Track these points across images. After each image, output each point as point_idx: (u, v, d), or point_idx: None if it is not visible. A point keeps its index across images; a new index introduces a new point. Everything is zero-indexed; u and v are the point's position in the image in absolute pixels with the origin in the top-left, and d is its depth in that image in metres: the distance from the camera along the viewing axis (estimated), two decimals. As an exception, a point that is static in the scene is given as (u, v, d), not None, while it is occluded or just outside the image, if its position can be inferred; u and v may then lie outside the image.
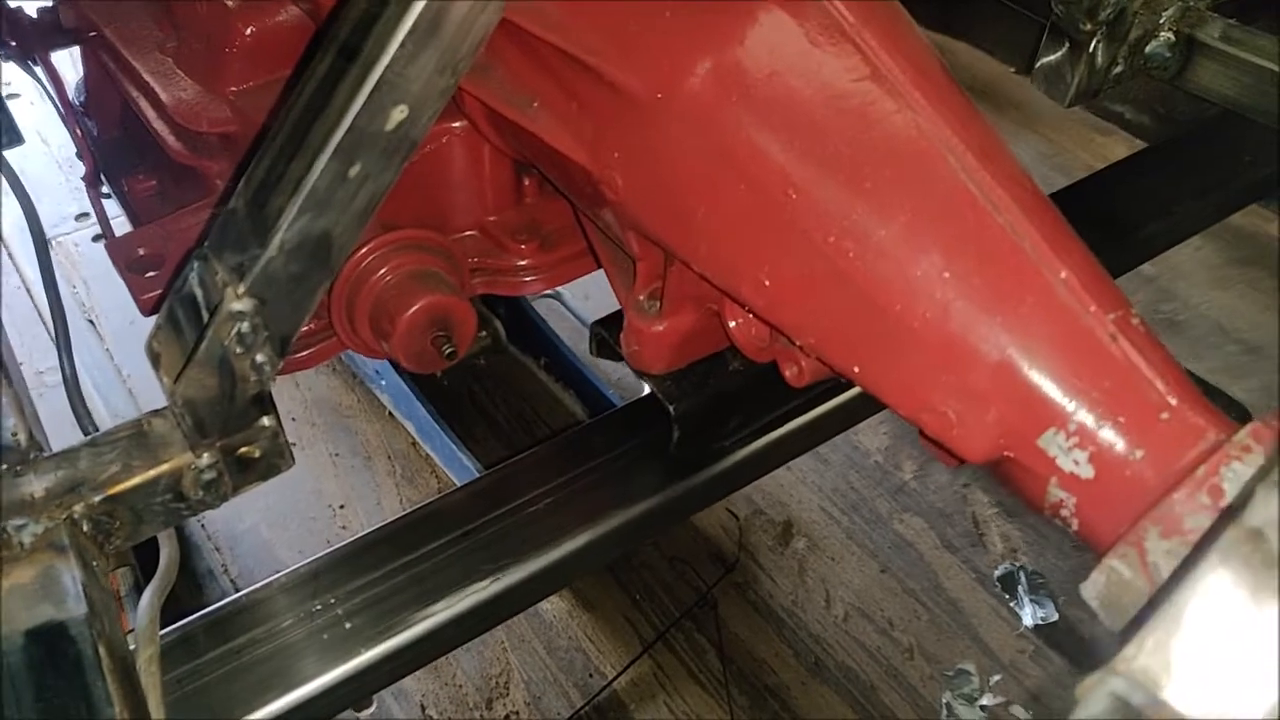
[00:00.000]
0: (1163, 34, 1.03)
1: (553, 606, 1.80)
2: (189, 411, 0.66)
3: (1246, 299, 2.19)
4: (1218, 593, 0.41)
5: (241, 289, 0.62)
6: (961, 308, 0.62)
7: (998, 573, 1.83)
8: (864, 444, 2.01)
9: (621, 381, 2.11)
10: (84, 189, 2.62)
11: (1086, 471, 0.60)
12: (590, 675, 1.71)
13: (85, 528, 0.65)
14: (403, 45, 0.58)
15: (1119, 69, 1.04)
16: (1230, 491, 0.53)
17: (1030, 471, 0.62)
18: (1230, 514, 0.43)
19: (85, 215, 2.48)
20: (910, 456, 2.00)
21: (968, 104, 0.70)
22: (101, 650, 0.57)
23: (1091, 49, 1.01)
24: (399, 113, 0.61)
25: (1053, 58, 1.04)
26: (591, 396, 1.97)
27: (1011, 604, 1.80)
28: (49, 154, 2.60)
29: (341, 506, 1.92)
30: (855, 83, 0.67)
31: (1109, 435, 0.59)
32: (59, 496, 0.65)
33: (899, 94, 0.67)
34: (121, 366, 2.18)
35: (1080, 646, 1.73)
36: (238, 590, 0.96)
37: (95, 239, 2.44)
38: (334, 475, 1.97)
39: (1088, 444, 0.59)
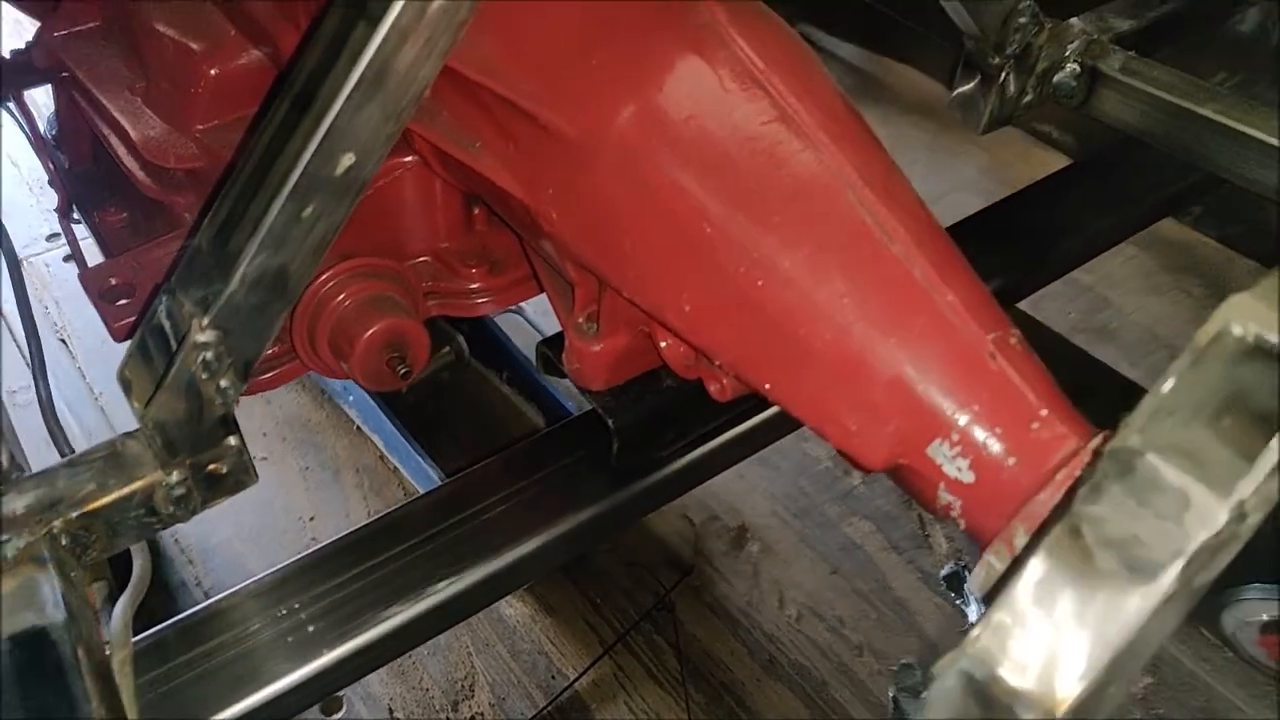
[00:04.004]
0: (1068, 65, 1.11)
1: (515, 611, 1.86)
2: (159, 433, 0.72)
3: (1179, 305, 2.28)
4: (1042, 581, 0.48)
5: (206, 321, 0.68)
6: (859, 330, 0.69)
7: (943, 573, 1.91)
8: (814, 451, 2.09)
9: (580, 394, 2.17)
10: (53, 211, 2.65)
11: (969, 477, 0.67)
12: (553, 677, 1.77)
13: (64, 541, 0.71)
14: (350, 97, 0.65)
15: (1029, 98, 1.12)
16: (1082, 492, 0.60)
17: (922, 477, 0.69)
18: (1057, 514, 0.50)
19: (56, 236, 2.52)
20: (861, 461, 2.08)
21: (870, 139, 0.77)
22: (80, 653, 0.63)
23: (1001, 80, 1.09)
24: (347, 159, 0.67)
25: (966, 87, 1.12)
26: (551, 408, 2.03)
27: (958, 602, 1.87)
28: (19, 176, 2.63)
29: (312, 518, 1.97)
30: (764, 125, 0.74)
31: (987, 444, 0.66)
32: (39, 513, 0.70)
33: (804, 135, 0.74)
34: (94, 385, 2.22)
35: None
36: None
37: (66, 259, 2.48)
38: (304, 489, 2.02)
39: (969, 452, 0.67)
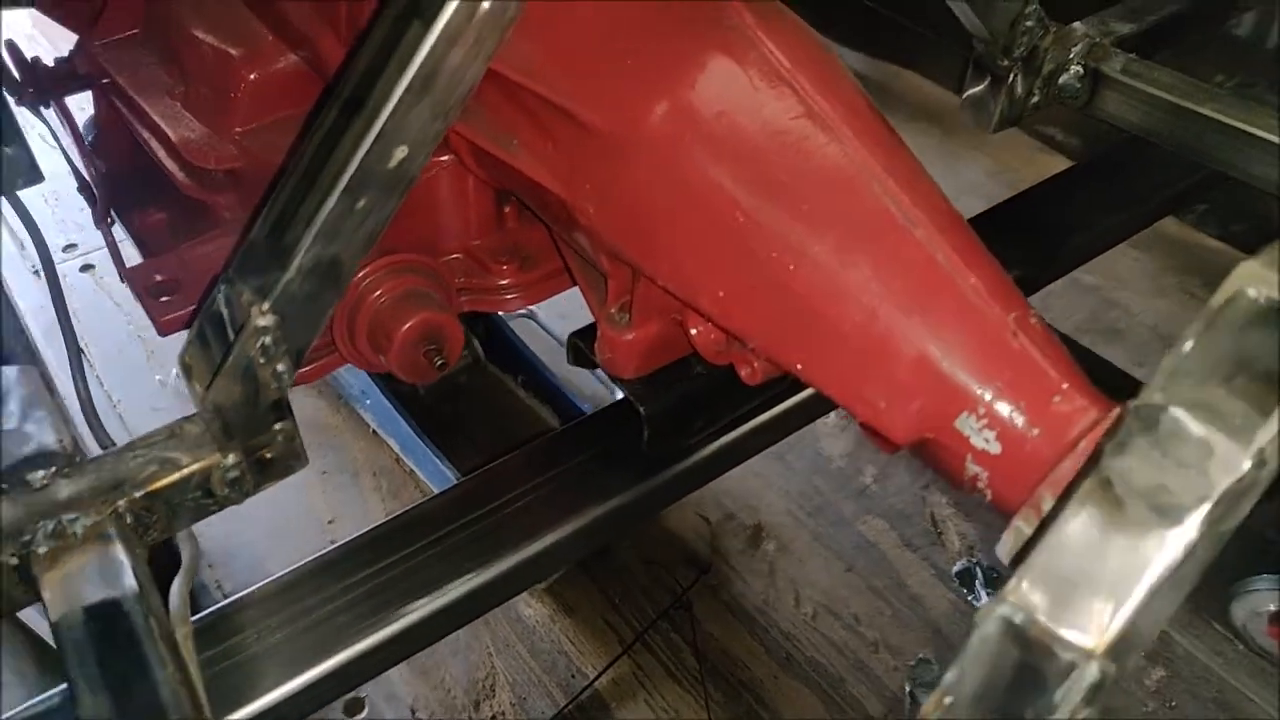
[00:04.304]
0: (1072, 67, 1.15)
1: (534, 612, 1.88)
2: (217, 416, 0.75)
3: (1184, 306, 2.32)
4: (1076, 529, 0.51)
5: (265, 307, 0.71)
6: (886, 311, 0.73)
7: (955, 569, 1.94)
8: (827, 449, 2.12)
9: (594, 396, 2.20)
10: (69, 222, 2.68)
11: (995, 448, 0.70)
12: (573, 676, 1.80)
13: (128, 520, 0.74)
14: (403, 97, 0.68)
15: (1036, 99, 1.16)
16: (1105, 459, 0.64)
17: (949, 450, 0.72)
18: (1086, 470, 0.53)
19: (73, 247, 2.56)
20: (871, 461, 2.11)
21: (891, 135, 0.81)
22: (153, 622, 0.66)
23: (1010, 81, 1.13)
24: (400, 152, 0.71)
25: (977, 89, 1.16)
26: (566, 410, 2.06)
27: (969, 598, 1.90)
28: (36, 188, 2.66)
29: (330, 521, 2.00)
30: (793, 120, 0.78)
31: (1012, 416, 0.69)
32: (105, 493, 0.74)
33: (830, 129, 0.78)
34: (111, 393, 2.25)
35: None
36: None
37: (83, 269, 2.52)
38: (322, 492, 2.05)
39: (995, 424, 0.70)
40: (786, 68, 0.79)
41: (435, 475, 1.97)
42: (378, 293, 0.98)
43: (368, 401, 2.09)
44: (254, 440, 0.78)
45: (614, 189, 0.82)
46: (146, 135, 1.11)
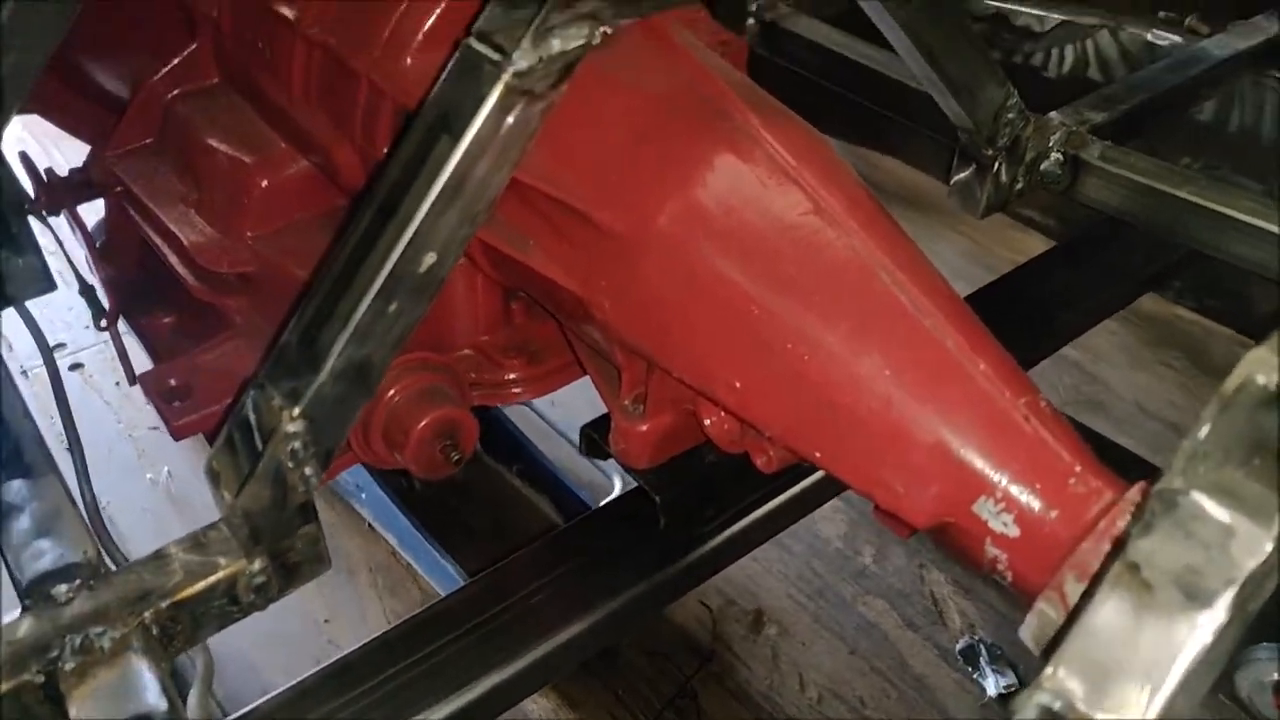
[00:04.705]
0: (1053, 154, 1.21)
1: (539, 707, 1.85)
2: (246, 522, 0.76)
3: (1163, 380, 2.37)
4: (1108, 615, 0.53)
5: (297, 411, 0.73)
6: (900, 399, 0.75)
7: (959, 647, 1.93)
8: (824, 532, 2.12)
9: (591, 484, 2.20)
10: (56, 321, 2.68)
11: (1014, 531, 0.72)
12: (578, 772, 1.76)
13: (155, 632, 0.73)
14: (434, 204, 0.71)
15: (1020, 185, 1.21)
16: (1126, 538, 0.65)
17: (968, 533, 0.74)
18: (1114, 554, 0.55)
19: (61, 346, 2.55)
20: (868, 541, 2.12)
21: (894, 226, 0.84)
22: (185, 735, 0.65)
23: (995, 169, 1.18)
24: (430, 258, 0.73)
25: (963, 176, 1.21)
26: (563, 499, 2.06)
27: (974, 676, 1.89)
28: (24, 290, 2.67)
29: (327, 621, 1.97)
30: (801, 216, 0.81)
31: (1029, 499, 0.71)
32: (131, 605, 0.73)
33: (837, 223, 0.81)
34: (101, 494, 2.22)
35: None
36: (225, 713, 1.01)
37: (71, 368, 2.51)
38: (318, 591, 2.02)
39: (1013, 508, 0.72)
40: (791, 165, 0.83)
41: (434, 569, 1.95)
42: (391, 391, 1.00)
43: (363, 496, 2.08)
44: (279, 544, 0.79)
45: (630, 286, 0.84)
46: (158, 241, 1.13)
